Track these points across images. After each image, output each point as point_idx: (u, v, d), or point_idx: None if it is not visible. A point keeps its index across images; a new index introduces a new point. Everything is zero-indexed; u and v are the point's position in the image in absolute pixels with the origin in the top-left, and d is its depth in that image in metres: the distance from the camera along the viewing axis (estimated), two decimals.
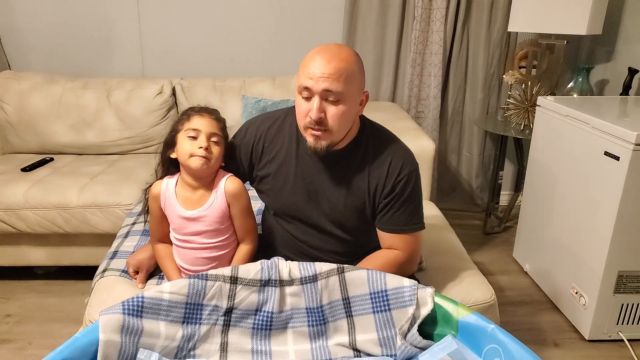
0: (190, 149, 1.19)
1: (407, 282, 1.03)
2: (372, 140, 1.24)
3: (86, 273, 2.09)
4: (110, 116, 2.39)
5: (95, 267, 1.54)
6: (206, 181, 1.25)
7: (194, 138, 1.20)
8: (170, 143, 1.25)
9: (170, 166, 1.29)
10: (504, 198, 3.04)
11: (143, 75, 2.70)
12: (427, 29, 2.63)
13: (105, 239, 2.00)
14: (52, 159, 2.33)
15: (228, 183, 1.25)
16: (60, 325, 1.91)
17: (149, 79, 2.54)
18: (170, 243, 1.34)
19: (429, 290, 1.02)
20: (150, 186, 1.31)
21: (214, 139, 1.22)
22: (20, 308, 2.01)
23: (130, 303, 0.96)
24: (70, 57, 2.65)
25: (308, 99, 1.12)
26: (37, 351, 1.78)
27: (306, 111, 1.13)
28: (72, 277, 2.20)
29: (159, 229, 1.32)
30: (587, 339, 1.87)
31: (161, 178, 1.30)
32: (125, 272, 1.41)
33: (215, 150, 1.22)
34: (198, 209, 1.24)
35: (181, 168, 1.26)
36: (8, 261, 2.11)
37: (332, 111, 1.11)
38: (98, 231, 1.99)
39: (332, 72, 1.08)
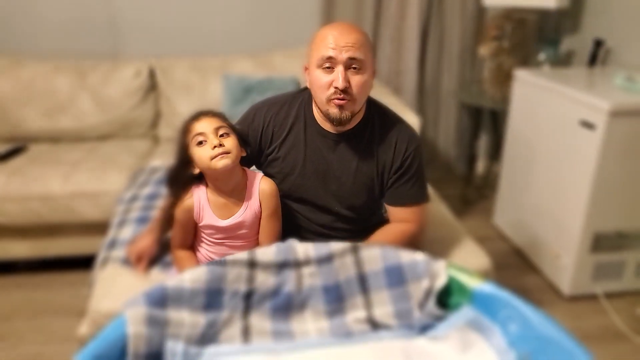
0: (206, 153, 1.17)
1: (419, 256, 1.08)
2: (379, 118, 1.28)
3: (72, 263, 2.03)
4: (86, 100, 2.30)
5: (84, 257, 1.50)
6: (237, 179, 1.24)
7: (203, 142, 1.17)
8: (187, 160, 1.21)
9: (193, 182, 1.26)
10: (481, 167, 3.13)
11: (115, 54, 2.58)
12: (404, 3, 2.63)
13: (93, 227, 1.94)
14: (25, 147, 2.22)
15: (263, 183, 1.26)
16: (51, 319, 1.86)
17: (125, 59, 2.44)
18: (190, 248, 1.34)
19: (442, 262, 1.07)
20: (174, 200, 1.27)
21: (220, 132, 1.19)
22: (5, 304, 1.94)
23: (153, 294, 0.96)
24: (34, 36, 2.49)
25: (330, 70, 1.15)
26: (31, 348, 1.72)
27: (329, 83, 1.15)
28: (57, 268, 2.13)
29: (183, 238, 1.31)
30: (566, 296, 1.99)
31: (186, 193, 1.26)
32: (126, 261, 1.39)
33: (228, 142, 1.19)
34: (234, 216, 1.24)
35: (210, 177, 1.23)
36: None
37: (355, 80, 1.15)
38: (86, 220, 1.93)
39: (355, 42, 1.14)
